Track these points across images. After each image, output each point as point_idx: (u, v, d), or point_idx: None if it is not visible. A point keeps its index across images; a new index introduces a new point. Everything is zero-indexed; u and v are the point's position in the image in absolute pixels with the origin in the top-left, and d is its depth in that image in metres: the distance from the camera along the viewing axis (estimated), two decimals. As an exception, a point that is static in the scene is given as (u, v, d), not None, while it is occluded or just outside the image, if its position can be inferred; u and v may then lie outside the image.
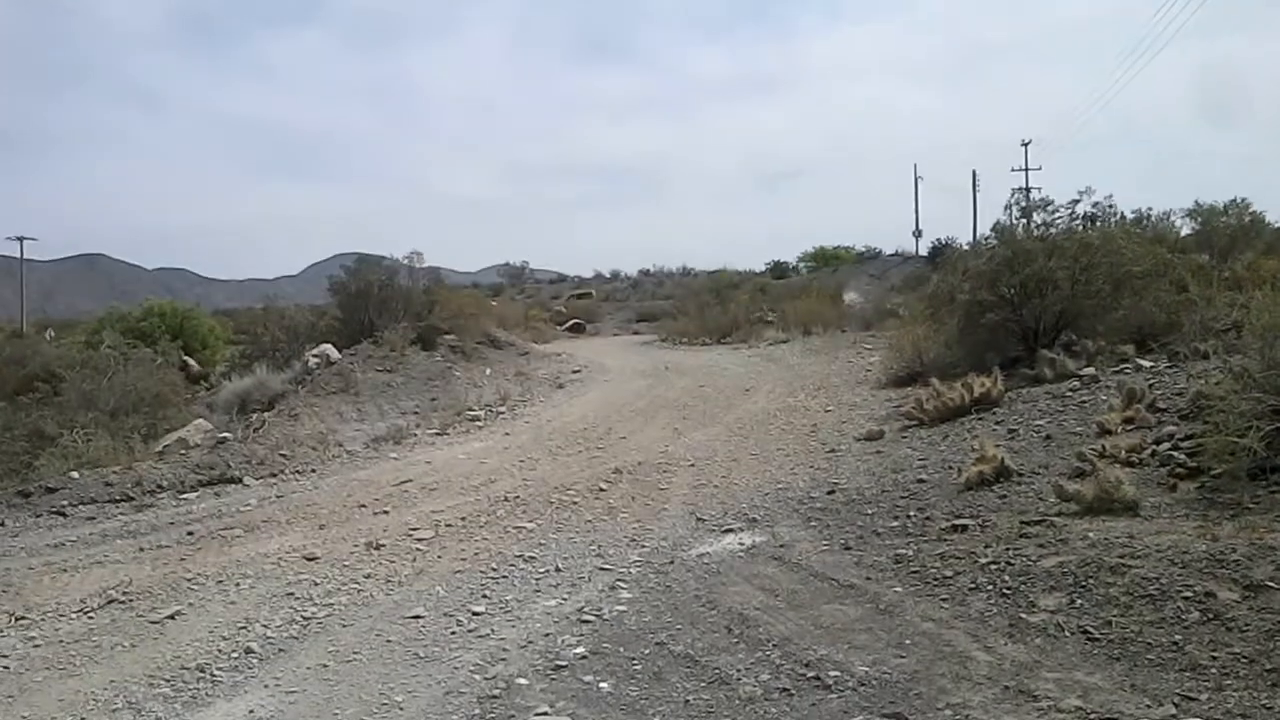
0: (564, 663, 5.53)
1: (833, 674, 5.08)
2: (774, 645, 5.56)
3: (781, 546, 7.57)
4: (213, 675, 5.85)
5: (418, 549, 8.33)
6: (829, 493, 9.06)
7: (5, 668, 6.28)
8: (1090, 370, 11.99)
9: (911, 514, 7.93)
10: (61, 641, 6.73)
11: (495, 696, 5.15)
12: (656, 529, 8.35)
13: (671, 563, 7.33)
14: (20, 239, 61.14)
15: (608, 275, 69.33)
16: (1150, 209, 22.86)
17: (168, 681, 5.80)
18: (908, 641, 5.44)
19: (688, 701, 4.92)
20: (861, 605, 6.10)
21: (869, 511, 8.24)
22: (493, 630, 6.19)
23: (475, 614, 6.51)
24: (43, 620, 7.23)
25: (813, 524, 8.12)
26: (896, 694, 4.80)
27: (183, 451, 13.53)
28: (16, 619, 7.27)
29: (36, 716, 5.41)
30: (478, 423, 15.89)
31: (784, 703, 4.81)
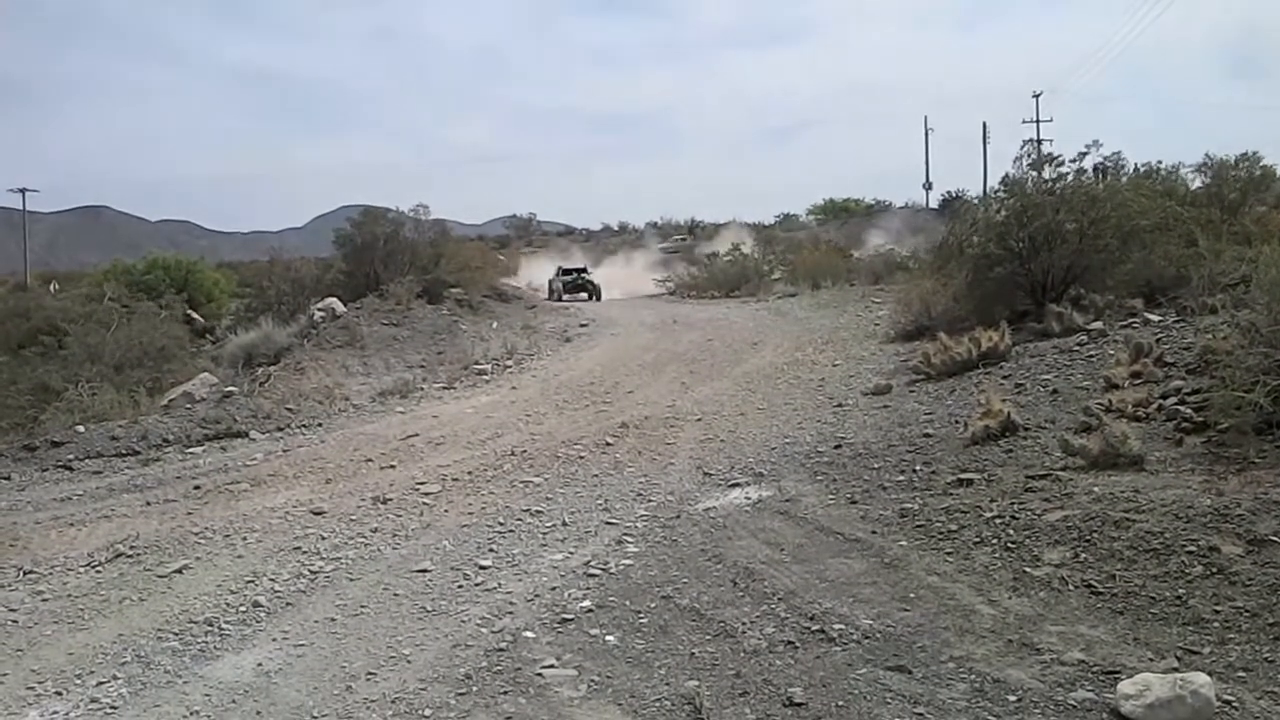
0: (570, 616, 5.57)
1: (837, 627, 5.11)
2: (779, 599, 5.59)
3: (787, 501, 7.59)
4: (221, 628, 5.91)
5: (424, 503, 8.37)
6: (835, 447, 9.08)
7: (14, 621, 6.35)
8: (1098, 325, 11.95)
9: (917, 468, 7.95)
10: (70, 595, 6.80)
11: (502, 649, 5.20)
12: (663, 483, 8.37)
13: (678, 517, 7.36)
14: (23, 190, 60.77)
15: (615, 227, 69.06)
16: (1160, 162, 22.59)
17: (176, 635, 5.86)
18: (912, 595, 5.48)
19: (693, 654, 4.96)
20: (866, 559, 6.13)
21: (875, 466, 8.25)
22: (500, 584, 6.24)
23: (482, 568, 6.56)
24: (50, 574, 7.31)
25: (819, 478, 8.14)
26: (900, 647, 4.83)
27: (188, 405, 13.58)
28: (25, 573, 7.35)
29: (46, 669, 5.48)
30: (484, 376, 15.91)
31: (788, 655, 4.85)
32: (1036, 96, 58.91)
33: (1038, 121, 56.42)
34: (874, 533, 6.60)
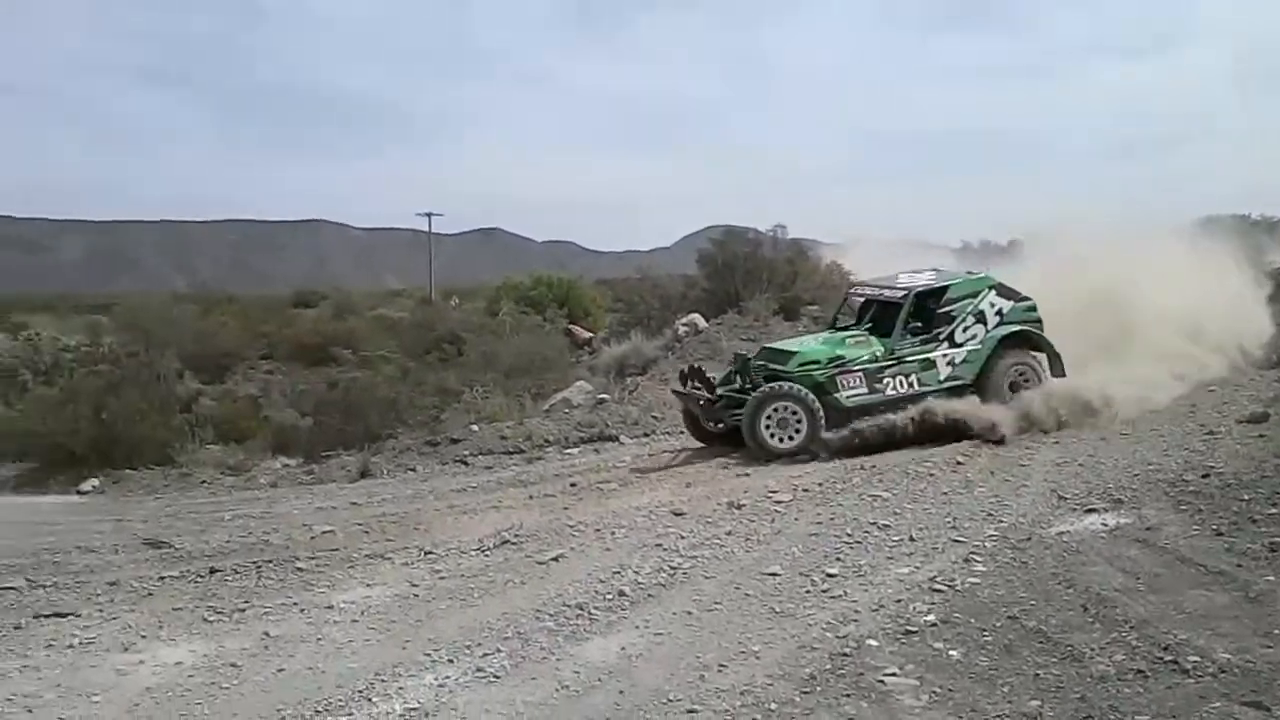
0: (914, 628, 5.66)
1: (1191, 659, 4.89)
2: (1131, 626, 5.41)
3: (1147, 529, 7.22)
4: (590, 613, 6.48)
5: (776, 510, 8.69)
6: (1203, 476, 8.46)
7: (415, 595, 7.29)
8: None
9: (1295, 501, 7.30)
10: (462, 575, 7.69)
11: (846, 654, 5.38)
12: (1015, 504, 8.20)
13: (1029, 539, 7.21)
14: (429, 214, 67.30)
15: (965, 244, 66.35)
16: None
17: (551, 616, 6.48)
18: (1276, 631, 5.13)
19: (1038, 675, 4.93)
20: (1229, 592, 5.78)
21: (1245, 497, 7.65)
22: (845, 592, 6.42)
23: (829, 575, 6.76)
24: (447, 555, 8.28)
25: (1183, 507, 7.66)
26: (1259, 683, 4.57)
27: (566, 410, 14.75)
28: (425, 553, 8.37)
29: (440, 639, 6.23)
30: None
31: (1137, 684, 4.71)
32: None
33: None
34: (1239, 565, 6.18)
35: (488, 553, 8.25)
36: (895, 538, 7.53)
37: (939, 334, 11.78)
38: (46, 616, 7.12)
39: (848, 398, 11.38)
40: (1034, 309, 12.05)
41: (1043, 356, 11.95)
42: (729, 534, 8.06)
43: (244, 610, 7.07)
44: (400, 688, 5.49)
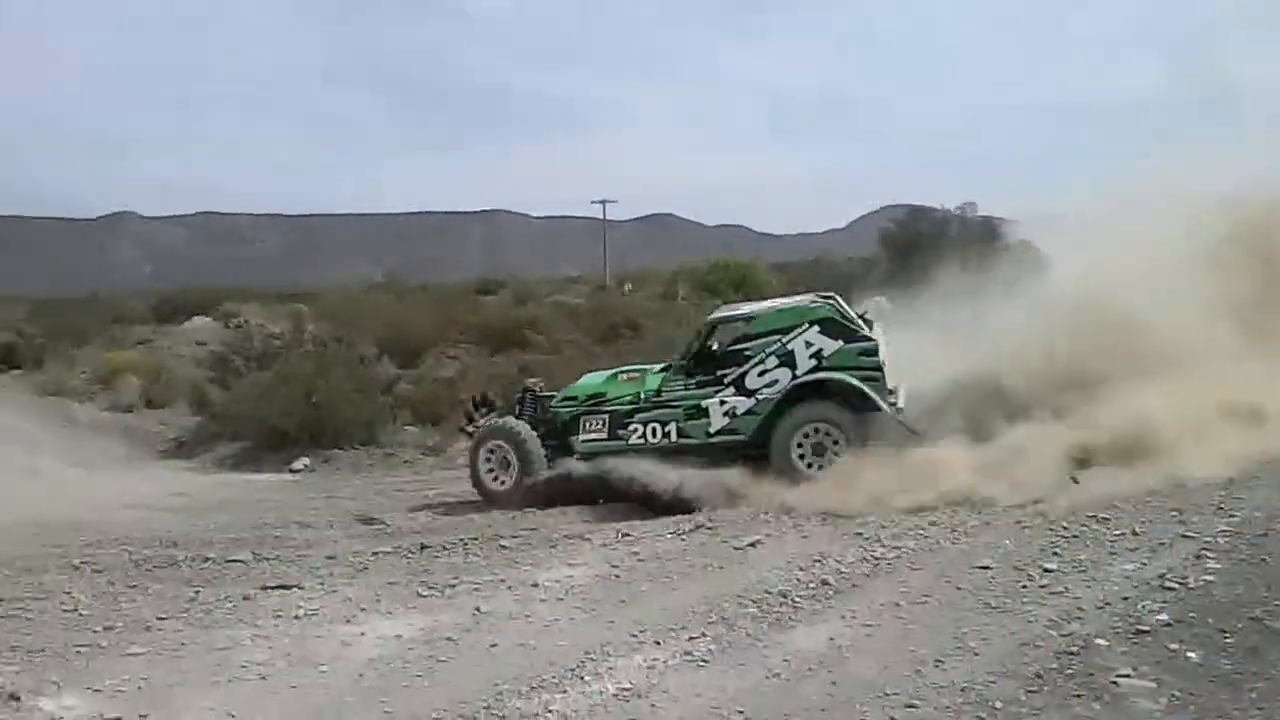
0: (1146, 628, 5.34)
1: None
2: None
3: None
4: (794, 601, 6.41)
5: (981, 499, 8.36)
6: None
7: (617, 576, 7.36)
8: None
9: None
10: (659, 557, 7.73)
11: (1073, 653, 5.12)
12: (1248, 498, 7.67)
13: (1265, 535, 6.72)
14: (603, 201, 68.24)
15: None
16: None
17: (754, 602, 6.44)
18: None
19: (1289, 680, 4.58)
20: None
21: None
22: (1066, 588, 6.11)
23: (1047, 570, 6.45)
24: (643, 538, 8.35)
25: None
26: None
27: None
28: (623, 535, 8.45)
29: (645, 620, 6.28)
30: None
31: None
32: None
33: None
34: None
35: (683, 536, 8.29)
36: (1116, 532, 7.14)
37: (725, 376, 9.79)
38: (273, 588, 7.53)
39: (582, 442, 10.16)
40: (873, 352, 9.41)
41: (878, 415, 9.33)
42: (933, 524, 7.83)
43: (454, 586, 7.30)
44: (610, 667, 5.54)
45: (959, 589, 6.34)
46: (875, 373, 9.30)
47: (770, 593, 6.59)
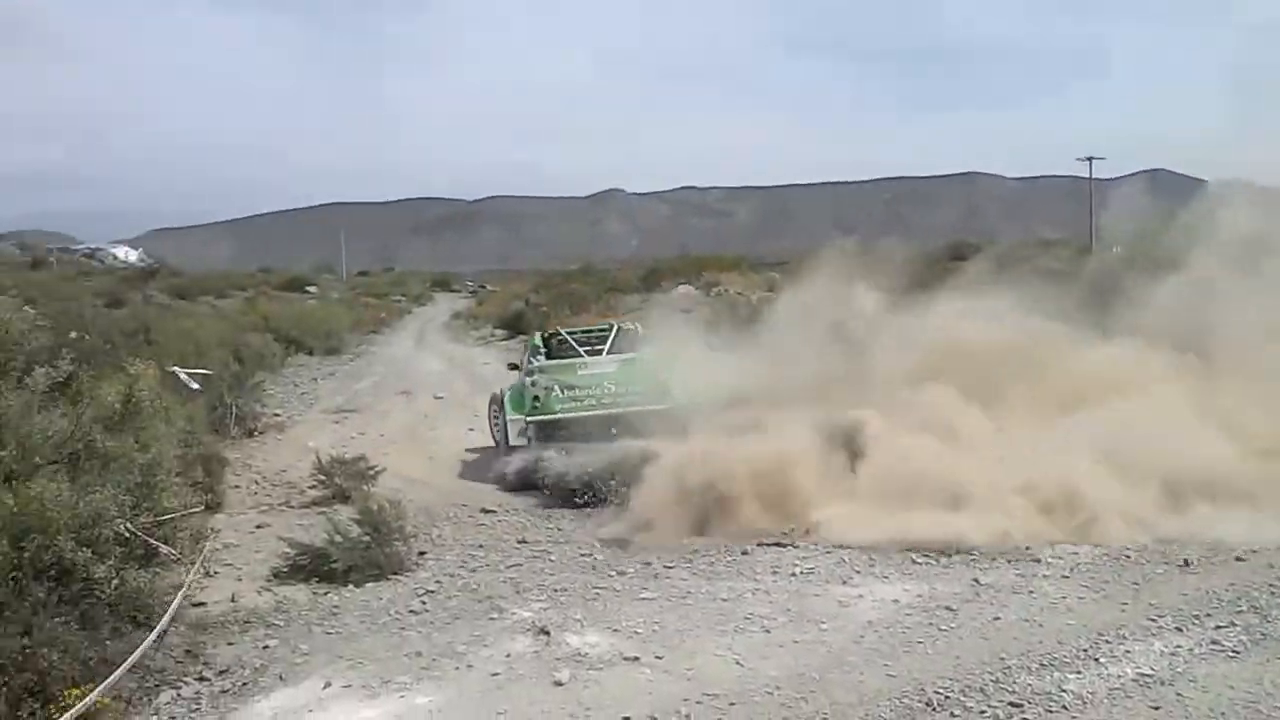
0: None
1: None
2: None
3: None
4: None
5: None
6: None
7: (1127, 555, 6.99)
8: None
9: None
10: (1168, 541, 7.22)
11: None
12: None
13: None
14: (1089, 159, 63.29)
15: None
16: None
17: None
18: None
19: None
20: None
21: None
22: None
23: None
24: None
25: None
26: None
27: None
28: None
29: (1163, 605, 5.92)
30: None
31: None
32: None
33: None
34: None
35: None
36: None
37: None
38: (768, 544, 7.76)
39: None
40: None
41: None
42: None
43: (951, 555, 7.17)
44: (1127, 651, 5.30)
45: None
46: None
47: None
